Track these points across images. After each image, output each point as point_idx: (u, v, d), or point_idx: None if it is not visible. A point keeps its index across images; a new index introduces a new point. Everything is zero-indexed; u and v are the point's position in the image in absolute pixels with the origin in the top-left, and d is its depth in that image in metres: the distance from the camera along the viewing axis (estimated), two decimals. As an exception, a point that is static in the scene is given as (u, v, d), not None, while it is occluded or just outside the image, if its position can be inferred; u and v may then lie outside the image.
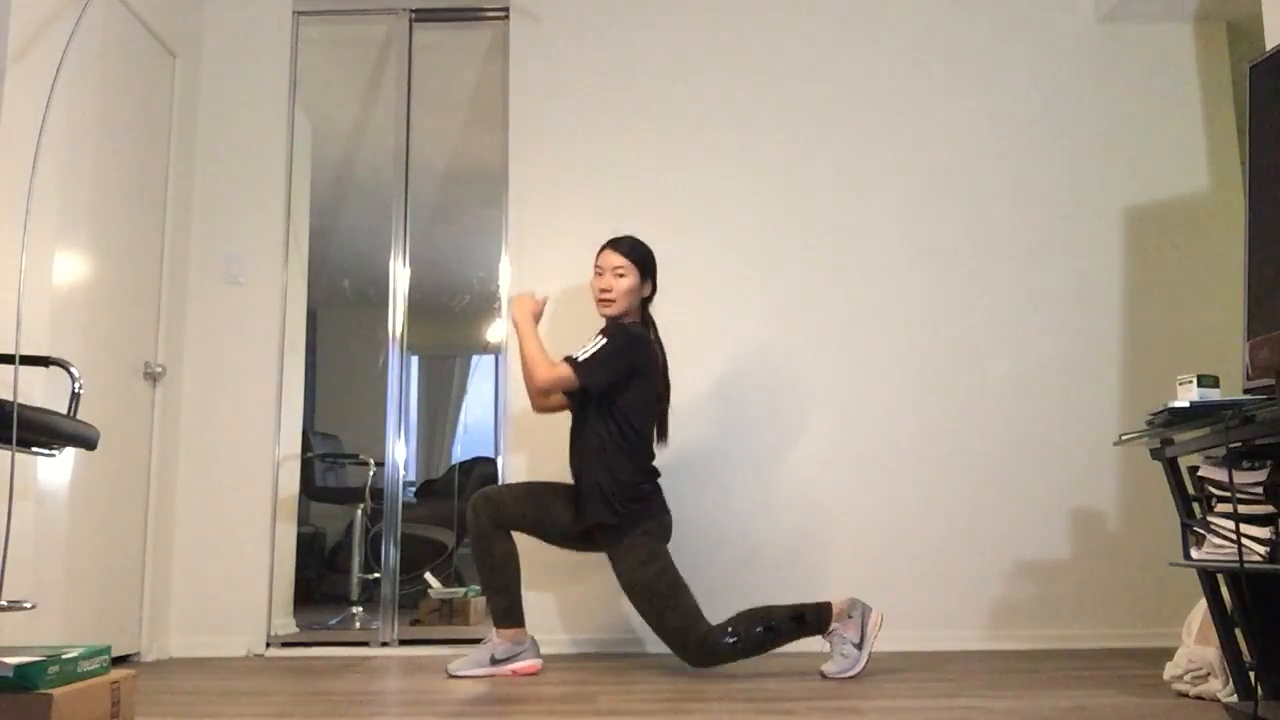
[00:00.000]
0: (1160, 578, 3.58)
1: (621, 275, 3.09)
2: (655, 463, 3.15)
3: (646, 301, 3.21)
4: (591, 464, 3.03)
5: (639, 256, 3.12)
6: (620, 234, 3.21)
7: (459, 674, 2.98)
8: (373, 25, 4.14)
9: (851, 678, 2.81)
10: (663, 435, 3.21)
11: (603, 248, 3.15)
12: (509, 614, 3.04)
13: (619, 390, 3.02)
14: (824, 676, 2.84)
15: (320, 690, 2.73)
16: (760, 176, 3.87)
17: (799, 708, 2.37)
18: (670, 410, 3.25)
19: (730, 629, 2.89)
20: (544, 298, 3.24)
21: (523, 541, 3.12)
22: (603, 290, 3.10)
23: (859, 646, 2.85)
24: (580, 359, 2.99)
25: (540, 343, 3.08)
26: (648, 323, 3.21)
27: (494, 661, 3.00)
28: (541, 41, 3.96)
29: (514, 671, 3.00)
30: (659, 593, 2.93)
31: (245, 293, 3.81)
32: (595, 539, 3.07)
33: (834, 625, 2.89)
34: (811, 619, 2.89)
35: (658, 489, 3.12)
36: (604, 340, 3.02)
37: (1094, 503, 3.66)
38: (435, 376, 6.37)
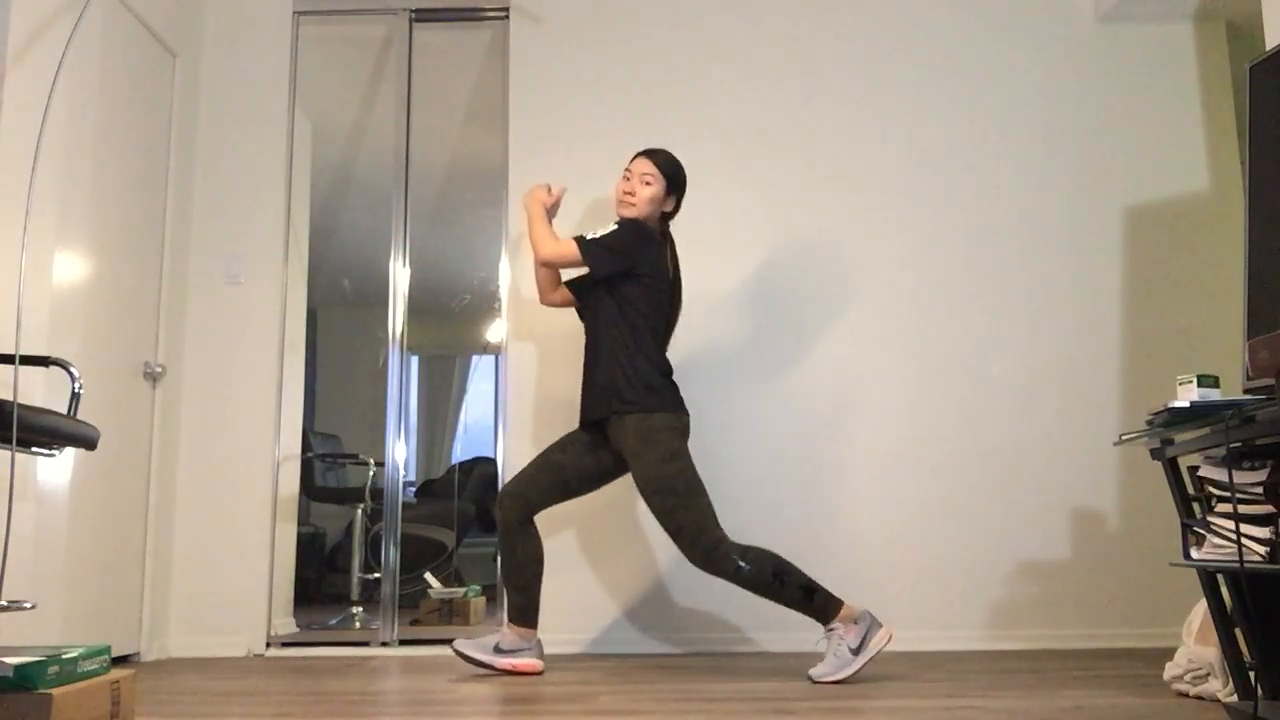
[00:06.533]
0: (1160, 578, 3.58)
1: (648, 183, 3.09)
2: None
3: (668, 216, 3.19)
4: (605, 364, 3.00)
5: (669, 170, 3.12)
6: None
7: (460, 650, 3.01)
8: (373, 25, 4.14)
9: (837, 681, 2.76)
10: (666, 341, 3.15)
11: (636, 155, 3.15)
12: (523, 612, 3.05)
13: (623, 283, 3.01)
14: (811, 680, 2.79)
15: (320, 690, 2.73)
16: (760, 176, 3.87)
17: (799, 708, 2.37)
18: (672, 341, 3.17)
19: (746, 556, 2.85)
20: (560, 189, 3.23)
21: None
22: (626, 193, 3.11)
23: (855, 652, 2.80)
24: (588, 238, 3.01)
25: (549, 226, 3.10)
26: (665, 235, 3.18)
27: (497, 650, 3.01)
28: (541, 41, 3.96)
29: (513, 667, 3.01)
30: (676, 491, 2.88)
31: (245, 293, 3.82)
32: (616, 446, 3.00)
33: (835, 624, 2.84)
34: (819, 601, 2.84)
35: (674, 386, 3.05)
36: (614, 228, 3.03)
37: (1094, 503, 3.66)
38: (435, 376, 6.37)
